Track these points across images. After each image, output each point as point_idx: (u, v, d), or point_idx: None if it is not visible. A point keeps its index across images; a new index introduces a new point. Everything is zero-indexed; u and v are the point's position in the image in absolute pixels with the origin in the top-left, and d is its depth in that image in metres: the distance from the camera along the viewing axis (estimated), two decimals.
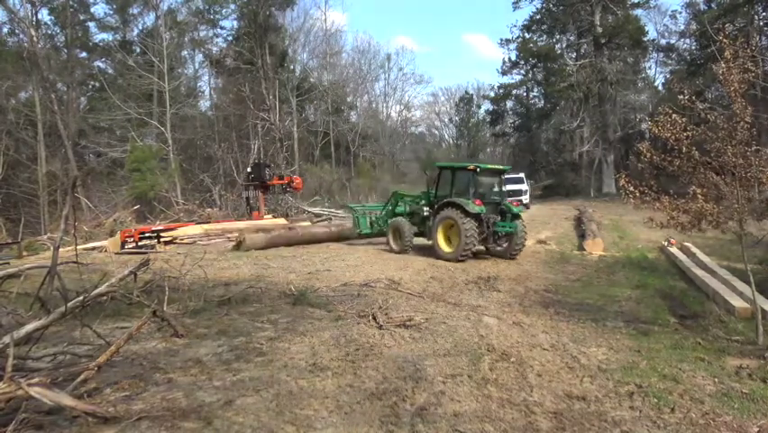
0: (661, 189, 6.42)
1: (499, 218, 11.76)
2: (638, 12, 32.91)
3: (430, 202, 12.26)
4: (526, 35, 35.75)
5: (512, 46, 37.46)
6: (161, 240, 13.52)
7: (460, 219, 10.92)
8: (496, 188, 12.20)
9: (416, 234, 12.45)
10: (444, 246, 11.51)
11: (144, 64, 28.17)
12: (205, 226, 15.26)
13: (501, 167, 12.69)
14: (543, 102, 40.17)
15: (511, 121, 42.67)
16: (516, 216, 11.77)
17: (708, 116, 6.21)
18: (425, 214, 12.22)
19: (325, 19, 34.75)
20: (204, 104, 36.23)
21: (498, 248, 12.04)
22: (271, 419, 3.62)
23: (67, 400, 3.40)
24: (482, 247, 12.04)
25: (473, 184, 11.42)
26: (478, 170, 11.48)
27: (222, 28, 34.22)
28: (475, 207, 10.96)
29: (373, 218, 13.97)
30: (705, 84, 28.50)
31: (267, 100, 28.66)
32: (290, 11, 32.68)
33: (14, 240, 15.76)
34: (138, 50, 31.21)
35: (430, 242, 11.94)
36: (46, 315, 4.45)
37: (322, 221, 20.25)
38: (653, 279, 10.10)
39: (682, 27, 35.19)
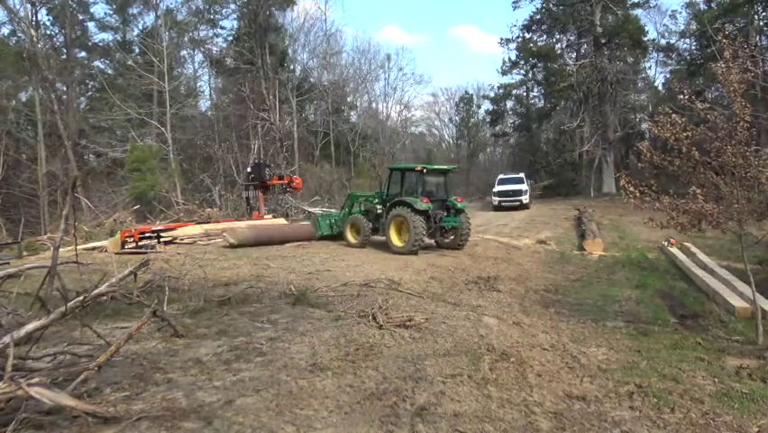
0: (661, 189, 6.43)
1: (445, 214, 12.67)
2: (638, 12, 32.90)
3: (383, 201, 13.12)
4: (526, 35, 35.72)
5: (512, 46, 37.45)
6: (161, 240, 13.52)
7: (409, 216, 11.79)
8: (442, 187, 13.11)
9: (372, 231, 13.25)
10: (396, 241, 12.31)
11: (144, 64, 28.13)
12: (206, 226, 15.26)
13: (446, 167, 13.68)
14: (543, 102, 40.09)
15: (511, 121, 42.59)
16: (460, 211, 12.72)
17: (708, 116, 6.22)
18: (379, 212, 13.13)
19: (326, 19, 34.72)
20: (204, 104, 36.23)
21: (446, 240, 13.07)
22: (271, 419, 3.62)
23: (67, 400, 3.40)
24: (432, 241, 13.03)
25: (421, 183, 12.39)
26: (424, 170, 12.39)
27: (222, 28, 34.20)
28: (423, 204, 11.81)
29: (332, 221, 14.83)
30: (705, 84, 28.51)
31: (267, 100, 28.63)
32: (290, 11, 32.68)
33: (14, 240, 15.75)
34: (138, 50, 31.20)
35: (384, 238, 12.73)
36: (46, 315, 4.44)
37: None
38: (653, 279, 10.11)
39: (682, 27, 35.22)
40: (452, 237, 12.96)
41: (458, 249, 12.80)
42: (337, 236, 14.29)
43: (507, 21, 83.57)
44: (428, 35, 79.40)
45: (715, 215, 6.05)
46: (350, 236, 13.45)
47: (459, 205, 12.65)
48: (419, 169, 12.39)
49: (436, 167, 13.35)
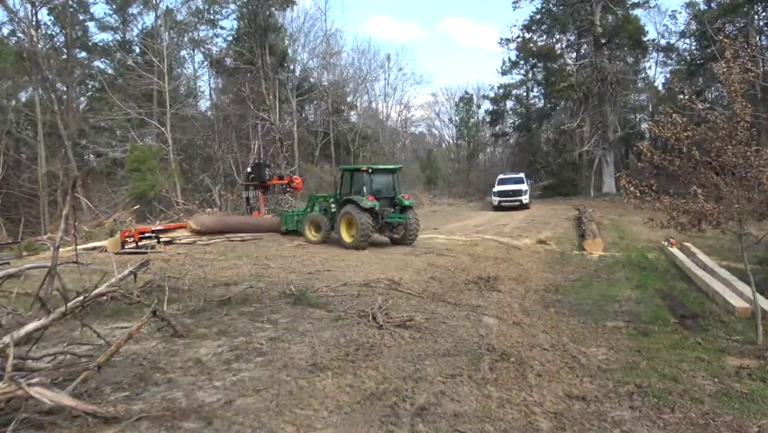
0: (661, 189, 6.43)
1: (392, 211, 13.39)
2: (638, 12, 32.90)
3: (337, 200, 13.85)
4: (526, 35, 35.72)
5: (512, 46, 37.47)
6: (161, 240, 13.52)
7: (356, 213, 12.59)
8: (390, 185, 13.79)
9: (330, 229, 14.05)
10: (346, 237, 13.06)
11: (144, 64, 28.10)
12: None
13: (392, 166, 14.57)
14: (543, 102, 40.09)
15: (511, 121, 42.58)
16: (407, 208, 13.48)
17: (709, 116, 6.22)
18: (333, 210, 13.93)
19: (325, 19, 34.69)
20: (204, 104, 36.16)
21: (396, 236, 13.77)
22: (271, 419, 3.62)
23: (67, 400, 3.40)
24: (386, 238, 13.85)
25: (368, 183, 13.07)
26: (370, 170, 13.27)
27: (222, 28, 34.13)
28: (368, 202, 12.57)
29: (297, 217, 15.63)
30: (705, 84, 28.52)
31: (267, 100, 28.60)
32: (290, 11, 32.63)
33: (14, 240, 15.75)
34: (138, 50, 31.17)
35: (337, 235, 13.49)
36: (46, 315, 4.44)
37: None
38: (653, 279, 10.11)
39: (682, 27, 35.19)
40: (402, 233, 13.66)
41: (407, 244, 13.48)
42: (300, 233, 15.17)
43: (497, 11, 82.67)
44: (418, 25, 78.75)
45: (715, 215, 6.05)
46: (308, 234, 14.23)
47: (406, 202, 13.44)
48: (364, 169, 13.30)
49: (382, 167, 14.37)
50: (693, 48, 34.32)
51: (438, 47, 77.15)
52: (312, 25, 34.00)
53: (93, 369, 3.89)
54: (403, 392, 4.17)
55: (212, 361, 4.75)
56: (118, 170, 27.15)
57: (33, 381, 3.43)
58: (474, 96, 44.27)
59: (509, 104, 41.99)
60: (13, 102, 27.92)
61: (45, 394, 3.34)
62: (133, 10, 32.40)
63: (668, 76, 35.82)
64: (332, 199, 14.24)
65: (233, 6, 32.59)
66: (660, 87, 36.88)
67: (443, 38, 77.86)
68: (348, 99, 37.71)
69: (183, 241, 13.93)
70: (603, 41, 31.84)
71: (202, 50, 34.10)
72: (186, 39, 32.63)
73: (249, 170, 19.05)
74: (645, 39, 32.59)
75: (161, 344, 5.21)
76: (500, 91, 39.98)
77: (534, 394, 4.33)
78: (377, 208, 12.74)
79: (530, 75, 39.30)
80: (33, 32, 26.50)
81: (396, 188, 13.76)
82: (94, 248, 13.30)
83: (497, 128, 41.95)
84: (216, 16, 33.30)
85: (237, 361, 4.76)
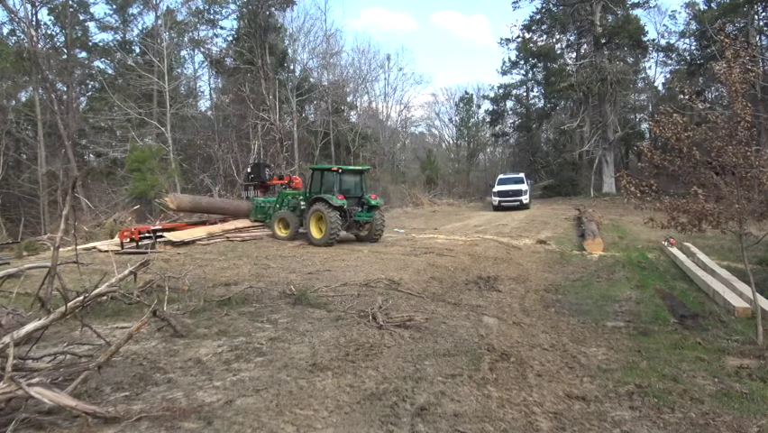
0: (661, 189, 6.42)
1: (359, 209, 13.97)
2: (638, 12, 32.96)
3: (306, 198, 14.24)
4: (526, 35, 35.75)
5: (512, 46, 37.49)
6: (161, 240, 13.53)
7: (326, 211, 13.06)
8: (358, 185, 14.35)
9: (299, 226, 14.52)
10: (316, 234, 13.47)
11: (144, 64, 28.10)
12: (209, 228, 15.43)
13: (361, 167, 15.21)
14: (543, 102, 40.12)
15: (511, 121, 42.62)
16: (374, 207, 14.13)
17: (709, 116, 6.21)
18: (303, 208, 14.28)
19: (326, 19, 34.71)
20: (204, 104, 36.16)
21: (363, 234, 14.35)
22: (271, 419, 3.62)
23: (67, 400, 3.40)
24: (352, 235, 14.44)
25: (337, 182, 13.54)
26: (340, 171, 13.75)
27: (222, 28, 34.16)
28: (338, 200, 13.10)
29: (267, 211, 16.09)
30: (705, 84, 28.54)
31: (267, 100, 28.61)
32: (290, 11, 32.62)
33: (14, 240, 15.77)
34: (138, 50, 31.17)
35: (306, 231, 13.90)
36: (46, 315, 4.44)
37: None
38: (653, 279, 10.10)
39: (682, 27, 35.21)
40: (368, 231, 14.17)
41: (374, 242, 14.01)
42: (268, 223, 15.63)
43: (490, 6, 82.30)
44: (412, 18, 78.51)
45: (715, 215, 6.04)
46: (277, 230, 14.72)
47: (373, 202, 14.02)
48: (335, 169, 13.75)
49: (351, 167, 14.92)
50: (693, 48, 34.38)
51: (436, 44, 77.25)
52: (312, 25, 34.01)
53: (93, 369, 3.89)
54: (403, 392, 4.16)
55: (212, 361, 4.75)
56: (118, 170, 27.12)
57: (33, 381, 3.43)
58: (474, 96, 44.29)
59: (509, 104, 42.06)
60: (13, 102, 27.91)
61: (45, 394, 3.34)
62: (133, 10, 32.44)
63: (668, 76, 35.91)
64: (301, 197, 14.59)
65: (233, 6, 32.66)
66: (660, 87, 36.94)
67: (440, 33, 77.86)
68: (348, 99, 37.67)
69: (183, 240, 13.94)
70: (603, 41, 31.85)
71: (202, 50, 34.11)
72: (186, 39, 32.64)
73: (249, 170, 19.08)
74: (645, 39, 32.64)
75: (161, 344, 5.21)
76: (500, 91, 40.05)
77: (534, 394, 4.33)
78: (345, 207, 13.27)
79: (530, 75, 39.37)
80: (33, 32, 26.50)
81: (363, 188, 14.31)
82: (93, 248, 13.31)
83: (497, 128, 41.96)
84: (216, 16, 33.35)
85: (237, 361, 4.76)
